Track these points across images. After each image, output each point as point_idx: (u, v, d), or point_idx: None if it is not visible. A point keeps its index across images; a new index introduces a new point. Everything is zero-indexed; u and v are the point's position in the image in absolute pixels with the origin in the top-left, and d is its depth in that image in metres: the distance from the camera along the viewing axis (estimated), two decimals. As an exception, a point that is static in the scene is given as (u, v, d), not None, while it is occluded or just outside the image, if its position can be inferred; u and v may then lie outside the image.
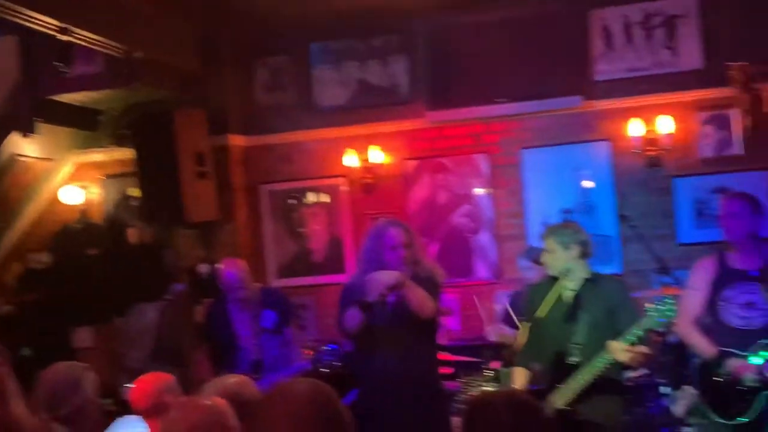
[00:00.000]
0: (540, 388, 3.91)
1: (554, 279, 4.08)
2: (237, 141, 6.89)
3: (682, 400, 5.05)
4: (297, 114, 6.92)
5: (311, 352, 4.82)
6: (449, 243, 6.71)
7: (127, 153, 6.50)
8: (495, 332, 5.52)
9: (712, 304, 4.13)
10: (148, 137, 6.21)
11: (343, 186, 6.86)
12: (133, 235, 6.87)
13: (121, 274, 6.55)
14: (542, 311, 3.99)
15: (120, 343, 6.64)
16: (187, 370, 5.61)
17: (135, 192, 6.58)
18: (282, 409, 1.56)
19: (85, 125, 6.87)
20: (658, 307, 3.68)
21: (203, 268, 6.49)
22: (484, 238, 6.68)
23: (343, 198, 6.87)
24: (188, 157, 6.17)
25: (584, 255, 4.01)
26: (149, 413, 3.35)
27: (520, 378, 4.12)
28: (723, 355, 4.00)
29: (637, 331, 3.69)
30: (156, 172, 6.14)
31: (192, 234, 6.74)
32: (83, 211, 7.13)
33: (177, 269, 6.69)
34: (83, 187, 7.15)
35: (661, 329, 3.89)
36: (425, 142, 6.77)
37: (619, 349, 3.69)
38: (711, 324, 4.16)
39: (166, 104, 6.32)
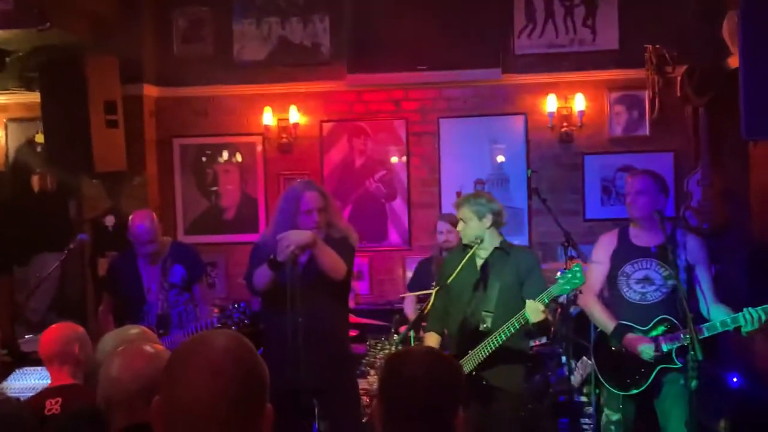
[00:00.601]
0: (449, 354, 3.98)
1: (467, 247, 4.16)
2: (150, 91, 6.70)
3: (580, 370, 5.23)
4: (214, 68, 6.77)
5: (218, 311, 4.76)
6: (363, 207, 6.72)
7: (33, 97, 6.24)
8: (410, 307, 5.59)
9: (612, 278, 4.27)
10: (56, 81, 5.98)
11: (259, 144, 6.77)
12: (36, 182, 6.62)
13: (23, 223, 6.33)
14: (454, 278, 4.05)
15: (19, 294, 6.42)
16: (88, 323, 5.48)
17: (40, 138, 6.33)
18: (201, 361, 1.51)
19: (-10, 65, 6.56)
20: (567, 275, 3.80)
21: (109, 220, 6.32)
22: (397, 204, 6.72)
23: (259, 157, 6.78)
24: (98, 105, 5.98)
25: (497, 224, 4.10)
26: (55, 360, 3.26)
27: (430, 342, 4.19)
28: (621, 328, 4.14)
29: (550, 293, 3.81)
30: (63, 118, 5.93)
31: (99, 184, 6.55)
32: (-16, 156, 6.83)
33: (81, 219, 6.50)
34: (-15, 131, 6.85)
35: (566, 297, 4.01)
36: (344, 104, 6.73)
37: (536, 309, 3.79)
38: (611, 297, 4.31)
39: (78, 49, 6.07)
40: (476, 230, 4.08)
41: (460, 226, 4.12)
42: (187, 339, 1.68)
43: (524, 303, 3.89)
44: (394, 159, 6.71)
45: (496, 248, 4.10)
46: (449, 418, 1.80)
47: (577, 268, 3.79)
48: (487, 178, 6.57)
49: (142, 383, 2.19)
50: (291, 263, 3.88)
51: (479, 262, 4.12)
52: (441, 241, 5.38)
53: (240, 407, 1.49)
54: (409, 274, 6.53)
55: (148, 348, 2.34)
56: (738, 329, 3.88)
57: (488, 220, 4.07)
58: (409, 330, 4.28)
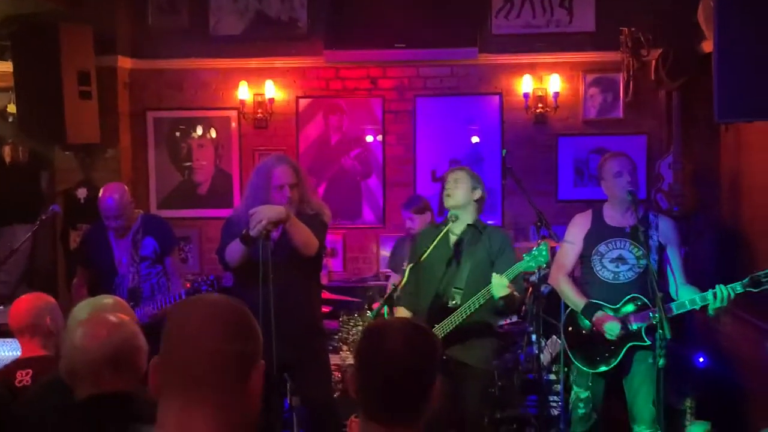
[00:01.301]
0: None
1: (440, 225, 4.20)
2: (124, 63, 6.62)
3: (549, 348, 5.30)
4: (190, 41, 6.70)
5: (189, 285, 4.76)
6: (338, 185, 6.72)
7: (5, 66, 6.15)
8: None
9: (586, 258, 4.32)
10: (29, 51, 5.90)
11: (234, 119, 6.73)
12: (8, 153, 6.53)
13: (-6, 193, 6.26)
14: (428, 255, 4.08)
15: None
16: (59, 295, 5.45)
17: (12, 108, 6.24)
18: (202, 307, 1.55)
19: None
20: (533, 253, 3.86)
21: (81, 192, 6.27)
22: (373, 182, 6.72)
23: (234, 132, 6.74)
24: (71, 75, 5.90)
25: (480, 203, 4.19)
26: (26, 332, 3.25)
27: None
28: (591, 306, 4.20)
29: (516, 269, 3.86)
30: (36, 88, 5.86)
31: (71, 156, 6.49)
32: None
33: (53, 191, 6.44)
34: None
35: (537, 276, 4.06)
36: (321, 81, 6.70)
37: (501, 284, 3.84)
38: (584, 276, 4.36)
39: (52, 18, 5.98)
40: (463, 197, 4.15)
41: (452, 185, 4.16)
42: (181, 300, 1.72)
43: None
44: (369, 137, 6.70)
45: (469, 225, 4.14)
46: (426, 386, 1.82)
47: (543, 247, 3.85)
48: (462, 158, 6.59)
49: (106, 352, 2.19)
50: (263, 238, 3.87)
51: (453, 239, 4.16)
52: (407, 227, 5.45)
53: (237, 353, 1.52)
54: (383, 252, 6.56)
55: (111, 317, 2.33)
56: (705, 308, 3.95)
57: (476, 194, 4.17)
58: (382, 306, 4.30)
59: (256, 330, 1.58)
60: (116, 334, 2.23)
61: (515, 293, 3.99)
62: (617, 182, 4.23)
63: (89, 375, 2.18)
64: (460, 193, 4.16)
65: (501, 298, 3.89)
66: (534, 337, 5.19)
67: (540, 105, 6.41)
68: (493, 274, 3.90)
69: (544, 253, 3.86)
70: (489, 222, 6.30)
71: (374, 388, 1.80)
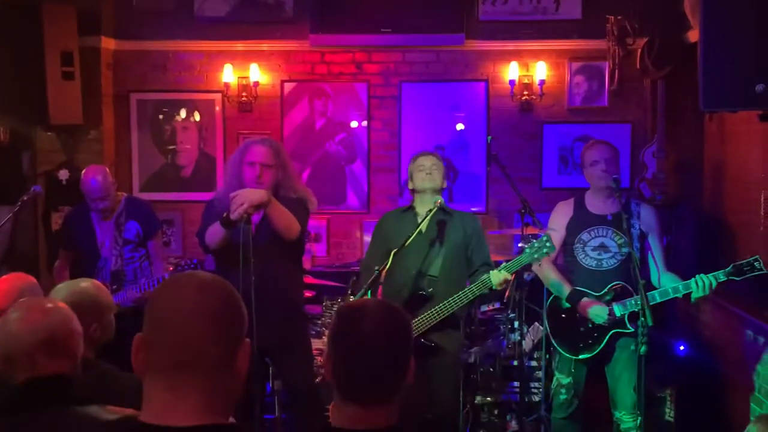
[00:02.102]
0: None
1: (408, 209, 4.21)
2: (108, 44, 6.56)
3: (531, 335, 5.33)
4: (175, 22, 6.63)
5: (172, 268, 4.74)
6: (322, 169, 6.70)
7: (-15, 45, 6.08)
8: None
9: (568, 245, 4.34)
10: (11, 30, 5.81)
11: (218, 102, 6.68)
12: (-12, 133, 6.46)
13: (-27, 174, 6.19)
14: (396, 240, 4.08)
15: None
16: (40, 277, 5.41)
17: (-7, 87, 6.17)
18: (187, 281, 1.55)
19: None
20: (535, 245, 3.85)
21: (63, 174, 6.22)
22: (357, 167, 6.70)
23: (218, 115, 6.70)
24: (54, 55, 5.84)
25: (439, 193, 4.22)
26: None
27: None
28: (576, 293, 4.22)
29: (520, 261, 3.87)
30: (18, 68, 5.79)
31: (53, 137, 6.43)
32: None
33: (34, 173, 6.38)
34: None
35: (535, 264, 4.09)
36: (306, 65, 6.66)
37: (502, 279, 3.87)
38: (567, 264, 4.38)
39: (34, -4, 5.91)
40: (441, 181, 4.19)
41: (431, 167, 4.17)
42: (166, 279, 1.72)
43: (468, 266, 4.07)
44: (354, 122, 6.68)
45: (440, 209, 4.12)
46: (401, 366, 1.83)
47: (546, 238, 3.86)
48: (447, 144, 6.59)
49: (41, 336, 2.19)
50: (244, 222, 3.85)
51: (425, 225, 4.13)
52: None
53: (225, 338, 1.53)
54: (367, 238, 6.55)
55: (46, 302, 2.34)
56: (688, 297, 3.99)
57: (445, 182, 4.22)
58: (365, 291, 4.30)
59: (242, 310, 1.59)
60: (51, 318, 2.23)
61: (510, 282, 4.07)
62: (593, 171, 4.26)
63: (24, 359, 2.18)
64: (439, 176, 4.18)
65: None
66: (516, 323, 5.23)
67: (525, 92, 6.41)
68: (492, 272, 3.90)
69: (548, 244, 3.86)
70: (473, 209, 6.35)
71: (349, 369, 1.81)
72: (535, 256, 3.88)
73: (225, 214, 3.90)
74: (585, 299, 4.19)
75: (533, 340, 5.35)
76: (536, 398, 5.30)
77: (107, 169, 4.85)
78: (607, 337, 4.17)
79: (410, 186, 4.27)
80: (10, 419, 2.12)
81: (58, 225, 6.03)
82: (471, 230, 4.20)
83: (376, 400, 1.81)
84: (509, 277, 3.90)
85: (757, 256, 3.90)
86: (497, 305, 5.57)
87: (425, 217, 4.10)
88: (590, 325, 4.20)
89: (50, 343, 2.21)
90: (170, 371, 1.49)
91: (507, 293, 5.15)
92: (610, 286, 4.17)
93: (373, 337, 1.80)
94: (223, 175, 4.42)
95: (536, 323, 5.25)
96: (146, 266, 4.85)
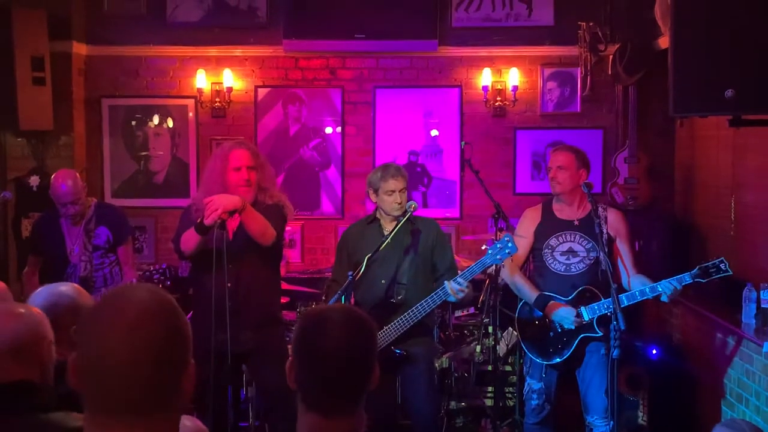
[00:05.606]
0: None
1: (374, 220, 4.22)
2: (79, 49, 6.49)
3: (505, 340, 5.34)
4: (147, 27, 6.58)
5: (141, 274, 4.71)
6: (297, 175, 6.67)
7: (-46, 49, 5.99)
8: None
9: (537, 251, 4.37)
10: (-21, 34, 5.74)
11: (192, 108, 6.64)
12: (-44, 139, 6.38)
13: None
14: (364, 249, 4.09)
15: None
16: (10, 284, 5.33)
17: (-39, 93, 6.08)
18: (117, 316, 1.43)
19: None
20: (497, 246, 3.87)
21: (33, 180, 6.15)
22: (331, 173, 6.69)
23: (191, 121, 6.65)
24: (25, 61, 5.77)
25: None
26: None
27: None
28: (543, 298, 4.24)
29: (483, 263, 3.89)
30: (-13, 72, 5.72)
31: (24, 143, 6.35)
32: None
33: (4, 179, 6.30)
34: None
35: (495, 268, 4.10)
36: (280, 70, 6.64)
37: (456, 290, 3.87)
38: (536, 269, 4.40)
39: (4, 1, 5.84)
40: (406, 201, 4.18)
41: (403, 191, 4.18)
42: (104, 294, 1.63)
43: (435, 271, 4.12)
44: (328, 128, 6.67)
45: (407, 220, 4.13)
46: (365, 375, 1.80)
47: (507, 238, 3.87)
48: (421, 150, 6.60)
49: (8, 342, 2.16)
50: (218, 227, 3.84)
51: (393, 234, 4.14)
52: None
53: (160, 365, 1.43)
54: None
55: (17, 307, 2.31)
56: (658, 298, 4.02)
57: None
58: (339, 297, 4.29)
59: (184, 330, 1.49)
60: (19, 324, 2.20)
61: (469, 291, 4.05)
62: (559, 176, 4.29)
63: None
64: (405, 196, 4.20)
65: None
66: (490, 328, 5.24)
67: (499, 98, 6.44)
68: (447, 283, 3.91)
69: (510, 244, 3.88)
70: (447, 214, 6.36)
71: (313, 379, 1.77)
72: (498, 256, 3.90)
73: (199, 220, 3.89)
74: (551, 302, 4.21)
75: (507, 345, 5.36)
76: (511, 403, 5.32)
77: (77, 174, 4.80)
78: (577, 341, 4.19)
79: (374, 199, 4.27)
80: None
81: (28, 231, 5.96)
82: (434, 236, 4.23)
83: (336, 410, 1.76)
84: (464, 287, 3.92)
85: (722, 258, 3.94)
86: (471, 310, 5.58)
87: (396, 225, 4.11)
88: (560, 330, 4.22)
89: (16, 349, 2.17)
90: (105, 414, 1.43)
91: (481, 298, 5.16)
92: (578, 290, 4.19)
93: (334, 347, 1.76)
94: (201, 181, 4.37)
95: (510, 328, 5.26)
96: (116, 272, 4.81)
